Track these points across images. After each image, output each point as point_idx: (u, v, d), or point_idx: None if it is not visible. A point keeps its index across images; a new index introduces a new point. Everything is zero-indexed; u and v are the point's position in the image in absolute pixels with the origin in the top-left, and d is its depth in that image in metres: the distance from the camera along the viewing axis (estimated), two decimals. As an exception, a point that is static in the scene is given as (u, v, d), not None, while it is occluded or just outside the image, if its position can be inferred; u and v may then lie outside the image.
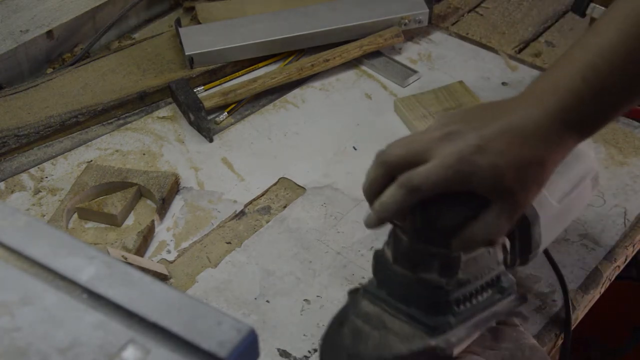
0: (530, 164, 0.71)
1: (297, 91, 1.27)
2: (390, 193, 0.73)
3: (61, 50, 1.35)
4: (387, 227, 0.79)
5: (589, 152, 0.91)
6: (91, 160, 1.15)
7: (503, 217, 0.72)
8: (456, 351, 0.76)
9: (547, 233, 0.85)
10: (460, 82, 1.24)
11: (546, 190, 0.82)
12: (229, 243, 1.03)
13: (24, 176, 1.13)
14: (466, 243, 0.74)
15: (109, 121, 1.22)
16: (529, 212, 0.82)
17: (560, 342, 0.93)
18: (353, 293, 0.82)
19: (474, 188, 0.71)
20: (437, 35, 1.38)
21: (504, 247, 0.81)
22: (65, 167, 1.14)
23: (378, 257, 0.80)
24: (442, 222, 0.74)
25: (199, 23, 1.37)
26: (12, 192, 1.10)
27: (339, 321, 0.80)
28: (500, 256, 0.81)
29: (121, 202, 1.06)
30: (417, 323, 0.76)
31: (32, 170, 1.14)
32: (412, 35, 1.36)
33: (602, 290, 1.01)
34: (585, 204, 0.95)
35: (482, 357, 0.78)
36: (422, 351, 0.74)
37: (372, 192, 0.76)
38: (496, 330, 0.82)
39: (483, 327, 0.79)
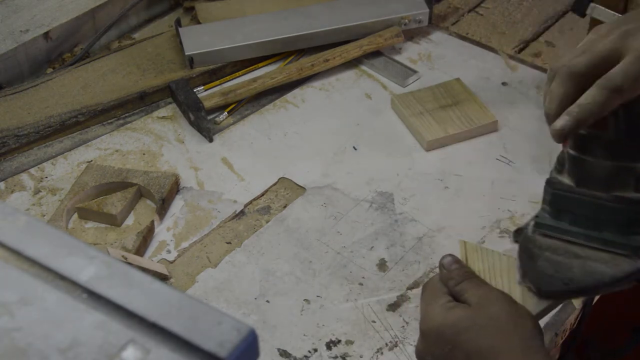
0: None
1: (297, 91, 1.27)
2: (590, 95, 0.70)
3: (61, 50, 1.35)
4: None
5: None
6: (91, 160, 1.15)
7: None
8: None
9: None
10: (457, 80, 1.24)
11: None
12: (229, 243, 1.03)
13: (24, 176, 1.13)
14: None
15: (109, 121, 1.22)
16: None
17: (560, 341, 0.93)
18: (519, 233, 0.78)
19: None
20: (437, 35, 1.38)
21: None
22: (65, 167, 1.14)
23: (555, 184, 0.75)
24: None
25: (199, 23, 1.37)
26: (12, 192, 1.10)
27: (528, 256, 0.75)
28: None
29: (121, 202, 1.06)
30: (614, 247, 0.72)
31: (32, 170, 1.14)
32: (412, 35, 1.36)
33: (602, 290, 1.01)
34: None
35: None
36: (633, 273, 0.71)
37: (563, 108, 0.72)
38: None
39: None
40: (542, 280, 0.74)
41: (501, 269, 0.78)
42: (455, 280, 0.74)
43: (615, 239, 0.73)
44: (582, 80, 0.71)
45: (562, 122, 0.71)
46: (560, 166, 0.77)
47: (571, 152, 0.75)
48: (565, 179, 0.75)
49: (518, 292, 0.75)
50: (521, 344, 0.68)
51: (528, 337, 0.69)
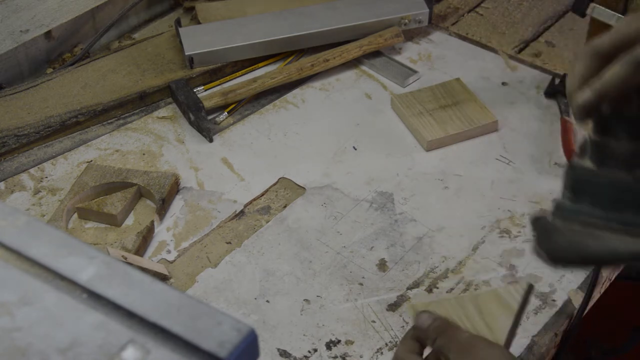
0: None
1: (297, 91, 1.27)
2: (614, 71, 0.69)
3: (61, 50, 1.35)
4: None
5: None
6: (91, 160, 1.15)
7: None
8: None
9: None
10: (457, 79, 1.24)
11: None
12: (229, 243, 1.03)
13: (24, 176, 1.13)
14: None
15: (109, 121, 1.22)
16: None
17: (558, 341, 0.93)
18: (538, 221, 0.77)
19: None
20: (437, 35, 1.38)
21: None
22: (65, 167, 1.14)
23: (577, 169, 0.75)
24: None
25: (199, 23, 1.37)
26: (12, 192, 1.10)
27: (544, 233, 0.76)
28: None
29: (121, 202, 1.06)
30: (633, 226, 0.72)
31: (32, 170, 1.14)
32: (412, 35, 1.36)
33: (602, 290, 1.01)
34: None
35: None
36: None
37: (585, 84, 0.70)
38: None
39: None
40: (556, 249, 0.74)
41: (458, 313, 0.78)
42: (431, 338, 0.75)
43: (636, 220, 0.72)
44: (605, 58, 0.70)
45: (584, 96, 0.70)
46: (582, 152, 0.77)
47: (593, 136, 0.75)
48: (586, 163, 0.75)
49: (484, 328, 0.76)
50: None
51: None
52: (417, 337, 0.76)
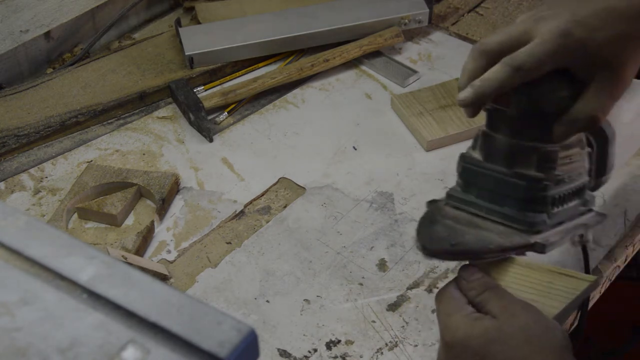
0: (628, 38, 0.72)
1: (297, 91, 1.27)
2: (494, 71, 0.73)
3: (61, 50, 1.35)
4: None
5: None
6: (91, 160, 1.15)
7: (605, 92, 0.73)
8: (547, 252, 0.75)
9: (618, 155, 0.84)
10: (457, 79, 1.24)
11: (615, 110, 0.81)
12: (229, 243, 1.03)
13: (24, 176, 1.13)
14: (569, 124, 0.74)
15: (109, 121, 1.22)
16: (607, 129, 0.81)
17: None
18: (432, 203, 0.81)
19: (574, 63, 0.72)
20: (437, 35, 1.38)
21: (589, 155, 0.80)
22: (65, 167, 1.14)
23: (466, 158, 0.79)
24: (546, 101, 0.73)
25: (199, 23, 1.37)
26: (12, 192, 1.10)
27: (429, 221, 0.78)
28: (587, 165, 0.80)
29: (121, 202, 1.06)
30: (512, 221, 0.75)
31: (32, 170, 1.14)
32: (412, 35, 1.36)
33: (602, 290, 1.01)
34: None
35: None
36: (521, 246, 0.73)
37: (471, 82, 0.75)
38: None
39: (569, 237, 0.78)
40: (431, 240, 0.76)
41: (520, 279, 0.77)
42: (476, 290, 0.73)
43: (514, 214, 0.75)
44: (492, 58, 0.74)
45: (464, 94, 0.75)
46: (474, 142, 0.80)
47: (483, 128, 0.78)
48: (476, 154, 0.78)
49: (539, 301, 0.75)
50: (554, 356, 0.68)
51: (559, 349, 0.68)
52: (460, 287, 0.74)
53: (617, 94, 0.74)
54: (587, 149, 0.80)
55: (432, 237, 0.76)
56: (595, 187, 0.84)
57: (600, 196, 1.06)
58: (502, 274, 0.77)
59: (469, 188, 0.78)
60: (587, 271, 0.86)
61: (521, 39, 0.73)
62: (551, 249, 0.75)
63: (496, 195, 0.76)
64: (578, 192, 0.79)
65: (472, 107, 0.76)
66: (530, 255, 0.75)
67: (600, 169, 0.83)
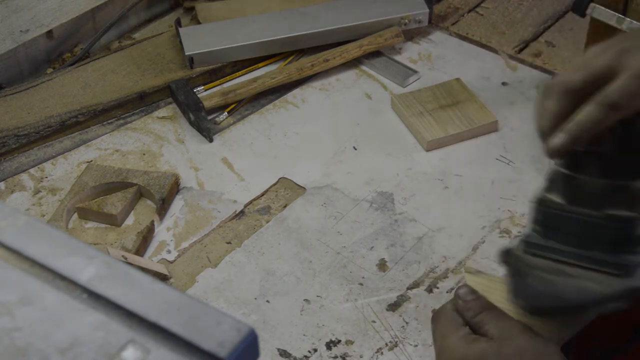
0: None
1: (297, 91, 1.27)
2: (588, 112, 0.69)
3: (61, 50, 1.35)
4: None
5: None
6: (91, 160, 1.15)
7: None
8: None
9: None
10: (458, 80, 1.24)
11: None
12: (229, 243, 1.03)
13: (24, 176, 1.13)
14: None
15: (109, 121, 1.22)
16: None
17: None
18: (508, 253, 0.77)
19: None
20: (437, 35, 1.38)
21: None
22: (65, 167, 1.14)
23: (547, 202, 0.75)
24: None
25: (199, 23, 1.37)
26: (12, 192, 1.10)
27: (518, 275, 0.75)
28: None
29: (121, 202, 1.06)
30: (604, 266, 0.72)
31: (32, 170, 1.14)
32: (412, 35, 1.36)
33: (602, 290, 1.00)
34: None
35: None
36: (624, 292, 0.71)
37: (558, 124, 0.71)
38: None
39: None
40: (533, 296, 0.73)
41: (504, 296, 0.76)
42: (473, 311, 0.72)
43: (606, 258, 0.72)
44: (577, 97, 0.70)
45: (558, 139, 0.71)
46: (550, 184, 0.76)
47: (563, 170, 0.75)
48: (556, 197, 0.75)
49: (536, 321, 0.74)
50: None
51: None
52: (457, 308, 0.74)
53: None
54: None
55: (532, 294, 0.73)
56: None
57: None
58: (492, 293, 0.76)
59: (551, 234, 0.75)
60: None
61: (607, 74, 0.69)
62: None
63: (584, 239, 0.73)
64: None
65: (567, 152, 0.72)
66: None
67: None
